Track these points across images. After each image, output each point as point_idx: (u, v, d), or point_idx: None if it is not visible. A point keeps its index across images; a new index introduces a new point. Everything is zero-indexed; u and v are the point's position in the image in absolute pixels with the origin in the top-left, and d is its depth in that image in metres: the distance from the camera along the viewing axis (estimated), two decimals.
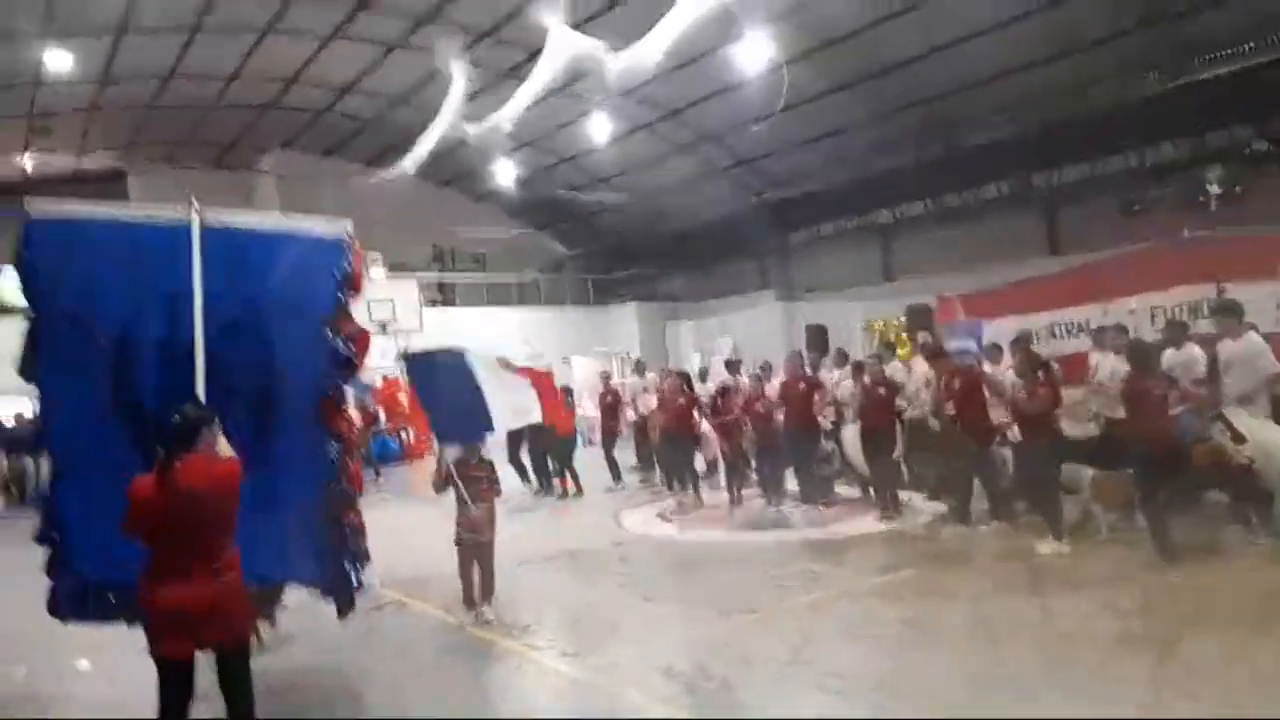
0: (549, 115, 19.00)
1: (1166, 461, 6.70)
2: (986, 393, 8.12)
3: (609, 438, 13.16)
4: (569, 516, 10.93)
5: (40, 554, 4.49)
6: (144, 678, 3.83)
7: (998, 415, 8.24)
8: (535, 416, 7.46)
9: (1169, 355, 7.69)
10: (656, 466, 12.48)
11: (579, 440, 12.82)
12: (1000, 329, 11.88)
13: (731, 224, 22.56)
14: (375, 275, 16.46)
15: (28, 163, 19.28)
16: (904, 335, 14.30)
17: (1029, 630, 5.57)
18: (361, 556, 4.94)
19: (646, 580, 7.36)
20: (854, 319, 17.45)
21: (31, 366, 4.36)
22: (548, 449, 12.37)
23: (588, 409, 14.51)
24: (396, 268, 20.22)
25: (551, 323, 24.02)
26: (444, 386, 6.39)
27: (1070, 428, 8.18)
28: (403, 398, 19.08)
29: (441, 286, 23.43)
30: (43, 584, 4.51)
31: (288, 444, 4.65)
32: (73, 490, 4.39)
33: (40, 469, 16.35)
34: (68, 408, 4.44)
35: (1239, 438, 6.78)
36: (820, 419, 10.19)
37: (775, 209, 21.10)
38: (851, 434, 9.92)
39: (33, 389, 4.45)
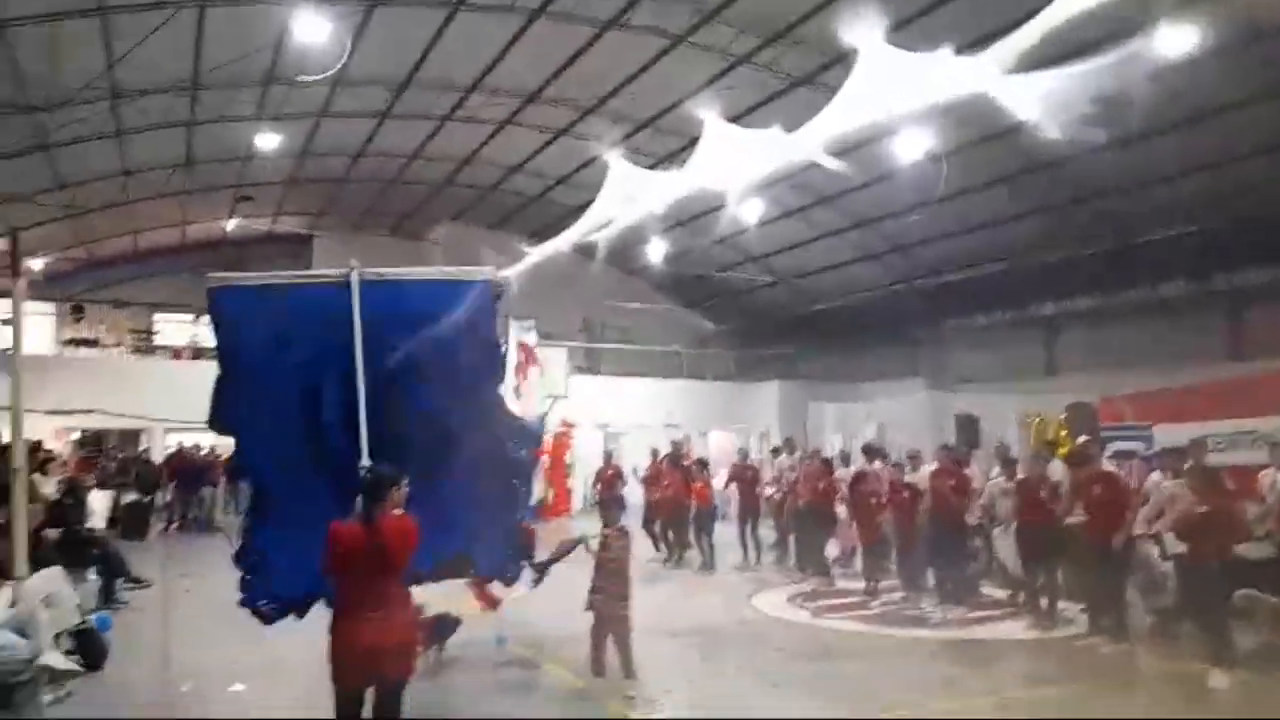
0: (701, 196, 19.55)
1: None
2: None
3: (746, 515, 13.03)
4: (700, 592, 10.84)
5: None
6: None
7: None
8: None
9: None
10: (790, 548, 12.30)
11: (716, 514, 12.78)
12: (1171, 434, 11.14)
13: (882, 308, 22.23)
14: (529, 339, 17.21)
15: (230, 224, 21.51)
16: (1064, 434, 13.56)
17: None
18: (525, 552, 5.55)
19: (775, 666, 7.20)
20: (1008, 413, 16.66)
21: (216, 418, 4.86)
22: (687, 520, 12.44)
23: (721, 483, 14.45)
24: (546, 336, 21.06)
25: (693, 395, 24.20)
26: None
27: (1246, 549, 7.50)
28: (542, 460, 19.70)
29: (588, 355, 24.13)
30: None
31: (472, 449, 5.05)
32: (265, 521, 4.92)
33: (216, 499, 17.93)
34: (260, 451, 4.96)
35: None
36: (968, 516, 9.78)
37: (928, 295, 20.67)
38: (1003, 534, 9.47)
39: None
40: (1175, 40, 10.15)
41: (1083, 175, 15.25)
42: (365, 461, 4.52)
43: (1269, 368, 13.35)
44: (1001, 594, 9.82)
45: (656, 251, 21.61)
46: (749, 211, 18.99)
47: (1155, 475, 8.76)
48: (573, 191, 20.46)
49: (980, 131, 14.84)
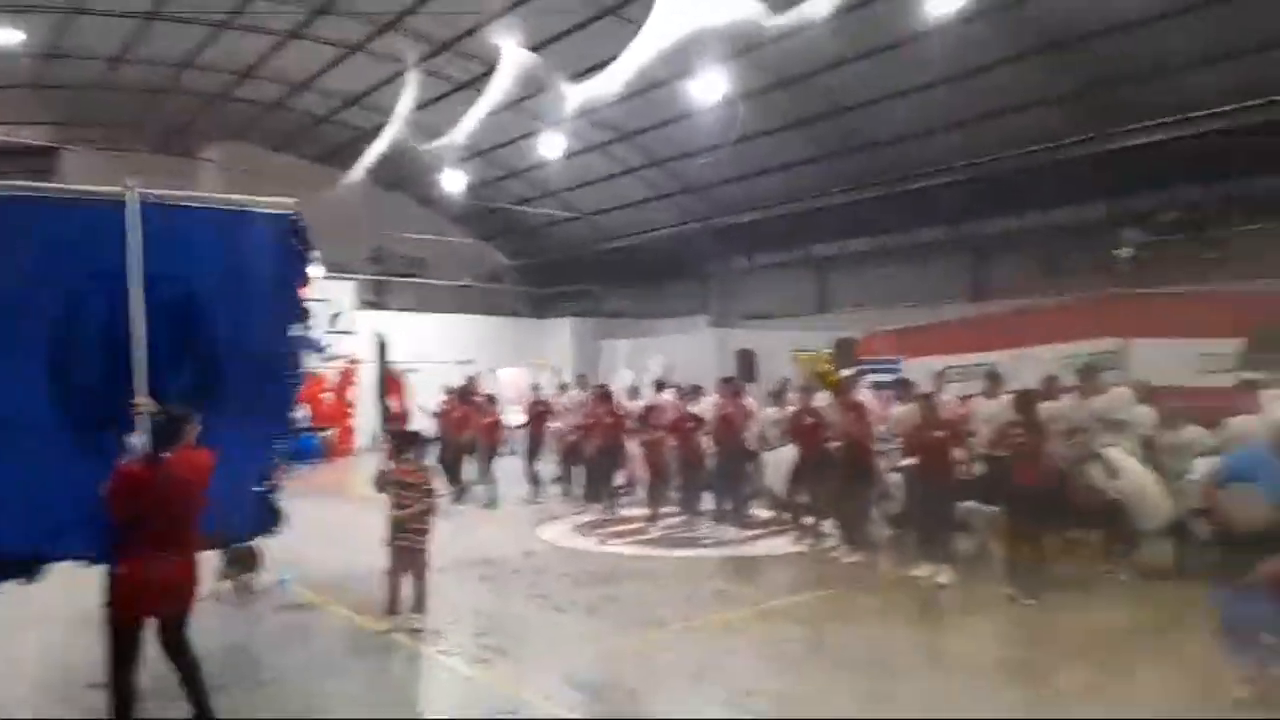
0: (501, 129, 19.11)
1: (1040, 500, 7.11)
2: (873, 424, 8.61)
3: (534, 450, 13.23)
4: (488, 525, 10.97)
5: None
6: None
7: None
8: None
9: (1049, 405, 8.22)
10: (576, 480, 12.64)
11: (504, 449, 12.87)
12: (918, 367, 12.40)
13: (674, 248, 22.90)
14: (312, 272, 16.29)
15: None
16: (829, 367, 14.72)
17: (921, 654, 5.88)
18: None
19: (560, 592, 7.46)
20: (784, 348, 17.84)
21: None
22: (469, 455, 12.43)
23: (515, 419, 14.54)
24: (334, 268, 20.02)
25: (487, 331, 23.96)
26: None
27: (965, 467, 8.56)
28: (325, 396, 18.91)
29: (377, 288, 23.20)
30: None
31: (239, 407, 4.73)
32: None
33: None
34: None
35: (1114, 473, 7.27)
36: (745, 444, 10.45)
37: (716, 235, 21.52)
38: (772, 459, 10.22)
39: None
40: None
41: (862, 125, 16.30)
42: (144, 400, 4.25)
43: (1003, 308, 15.14)
44: (769, 514, 10.67)
45: (452, 182, 20.97)
46: (547, 145, 18.83)
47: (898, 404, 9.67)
48: (365, 114, 19.37)
49: (775, 77, 15.48)
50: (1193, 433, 7.89)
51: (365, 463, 17.90)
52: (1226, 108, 12.46)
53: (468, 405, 12.82)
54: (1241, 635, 4.76)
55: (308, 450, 17.77)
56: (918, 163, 16.47)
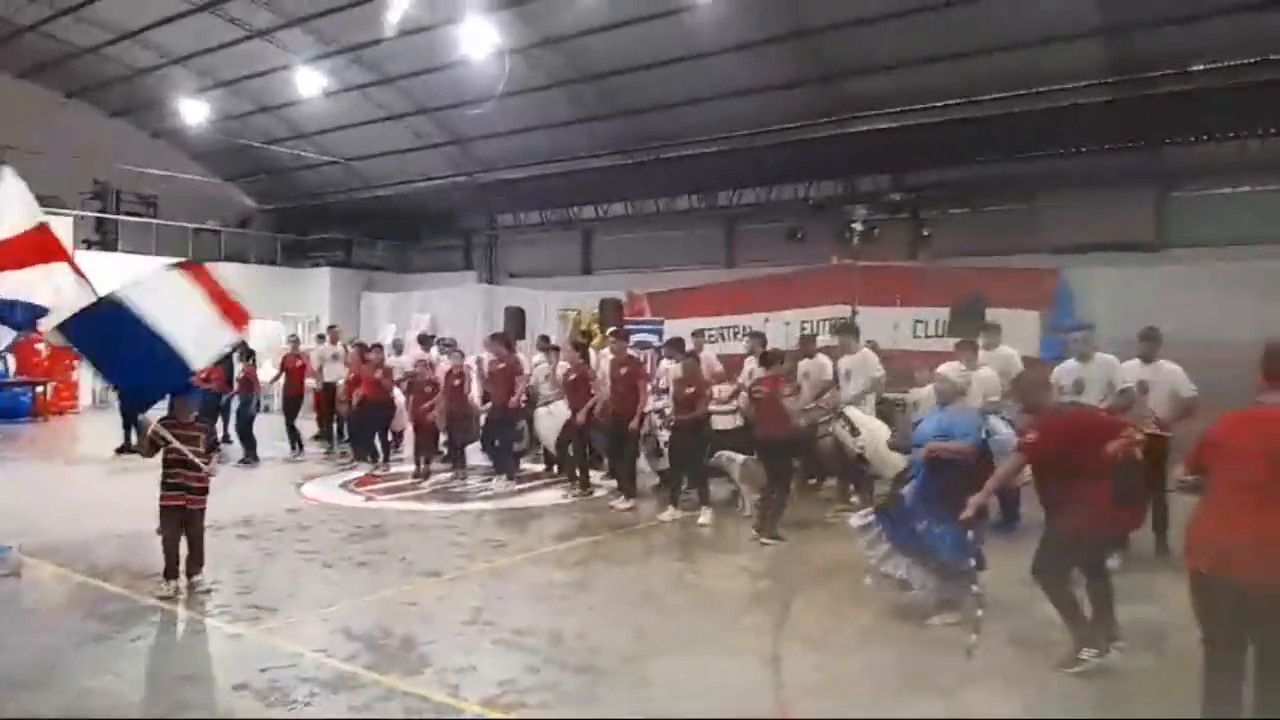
0: (248, 58, 17.65)
1: (787, 450, 7.97)
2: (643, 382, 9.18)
3: (292, 405, 12.62)
4: (246, 484, 10.41)
5: None
6: None
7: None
8: (231, 335, 6.29)
9: (804, 363, 9.16)
10: (342, 436, 12.25)
11: (258, 406, 12.15)
12: (679, 327, 13.21)
13: (440, 201, 22.37)
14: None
15: None
16: (596, 326, 15.23)
17: (683, 588, 6.43)
18: None
19: (328, 548, 7.32)
20: (552, 306, 18.18)
21: None
22: (229, 411, 11.70)
23: (270, 374, 13.72)
24: (48, 201, 17.63)
25: (234, 280, 22.14)
26: (117, 346, 5.56)
27: (721, 420, 9.36)
28: (41, 348, 16.79)
29: (101, 227, 20.70)
30: None
31: None
32: None
33: None
34: None
35: (856, 431, 8.25)
36: (513, 399, 10.63)
37: (484, 191, 21.29)
38: (544, 414, 10.50)
39: None
40: None
41: (623, 91, 16.74)
42: None
43: (752, 274, 16.38)
44: (540, 467, 10.99)
45: (192, 113, 19.09)
46: (304, 82, 17.64)
47: (665, 362, 10.28)
48: (84, 28, 17.15)
49: (541, 34, 15.48)
50: (919, 392, 9.05)
51: (88, 422, 16.19)
52: (942, 103, 14.19)
53: (217, 361, 11.95)
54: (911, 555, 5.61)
55: (19, 408, 15.89)
56: (676, 133, 17.22)
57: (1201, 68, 12.08)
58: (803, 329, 11.50)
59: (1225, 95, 12.30)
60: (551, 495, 9.76)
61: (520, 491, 9.88)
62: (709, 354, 10.80)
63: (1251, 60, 11.79)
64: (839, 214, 14.51)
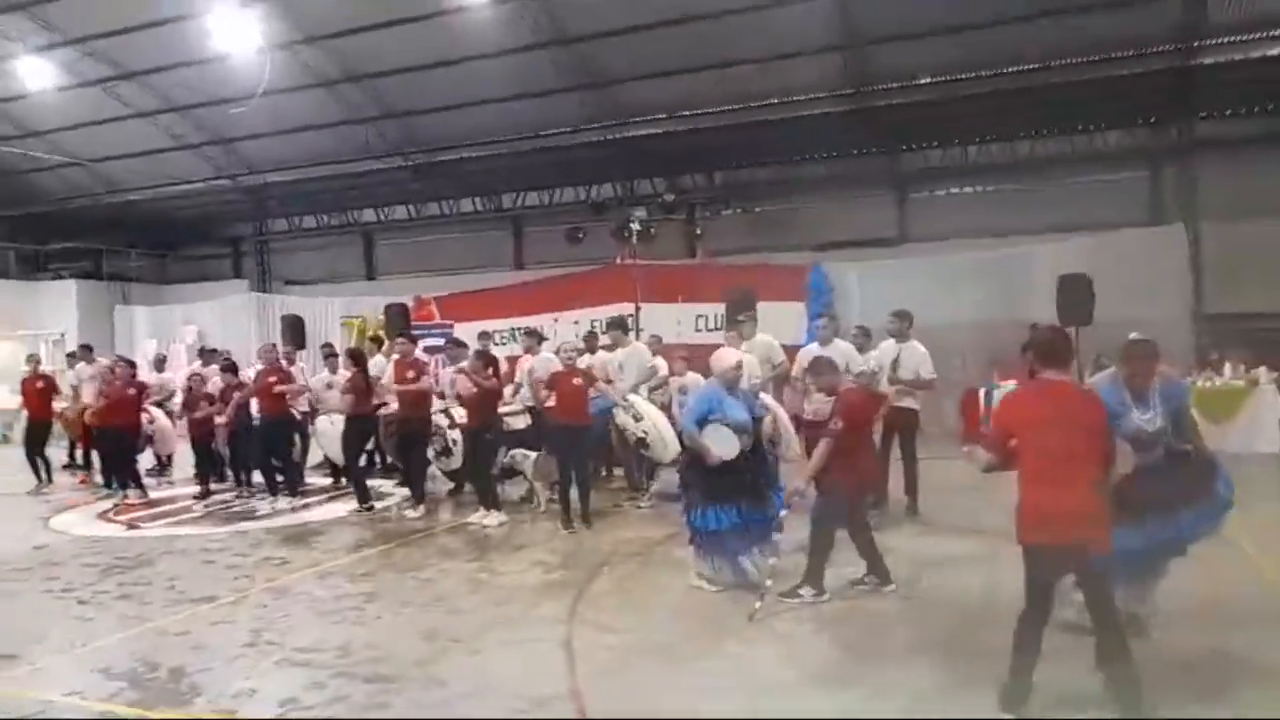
0: None
1: (576, 442, 8.19)
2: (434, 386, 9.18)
3: (37, 433, 11.37)
4: None
5: None
6: None
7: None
8: None
9: (592, 358, 9.47)
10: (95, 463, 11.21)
11: None
12: (468, 330, 13.15)
13: (201, 206, 20.84)
14: None
15: None
16: (382, 332, 14.81)
17: (476, 588, 6.45)
18: None
19: (82, 583, 6.70)
20: (334, 314, 17.47)
21: None
22: None
23: (5, 399, 12.29)
24: None
25: None
26: None
27: (512, 419, 9.47)
28: None
29: None
30: None
31: None
32: None
33: None
34: None
35: (639, 417, 8.60)
36: (292, 410, 10.17)
37: (252, 195, 20.06)
38: (326, 424, 10.11)
39: None
40: None
41: (394, 92, 16.35)
42: None
43: (539, 275, 16.57)
44: (326, 481, 10.58)
45: None
46: (32, 74, 15.87)
47: (450, 367, 10.15)
48: None
49: (304, 31, 14.84)
50: (691, 379, 9.57)
51: None
52: (703, 110, 15.02)
53: None
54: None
55: None
56: (450, 136, 17.09)
57: (927, 80, 13.59)
58: (593, 327, 11.83)
59: (949, 105, 13.93)
60: (339, 508, 9.41)
61: (305, 507, 9.47)
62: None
63: (971, 75, 13.43)
64: (618, 215, 15.01)
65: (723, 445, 5.91)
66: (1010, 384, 12.61)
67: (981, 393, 13.04)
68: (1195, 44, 12.57)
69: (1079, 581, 3.89)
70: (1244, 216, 13.06)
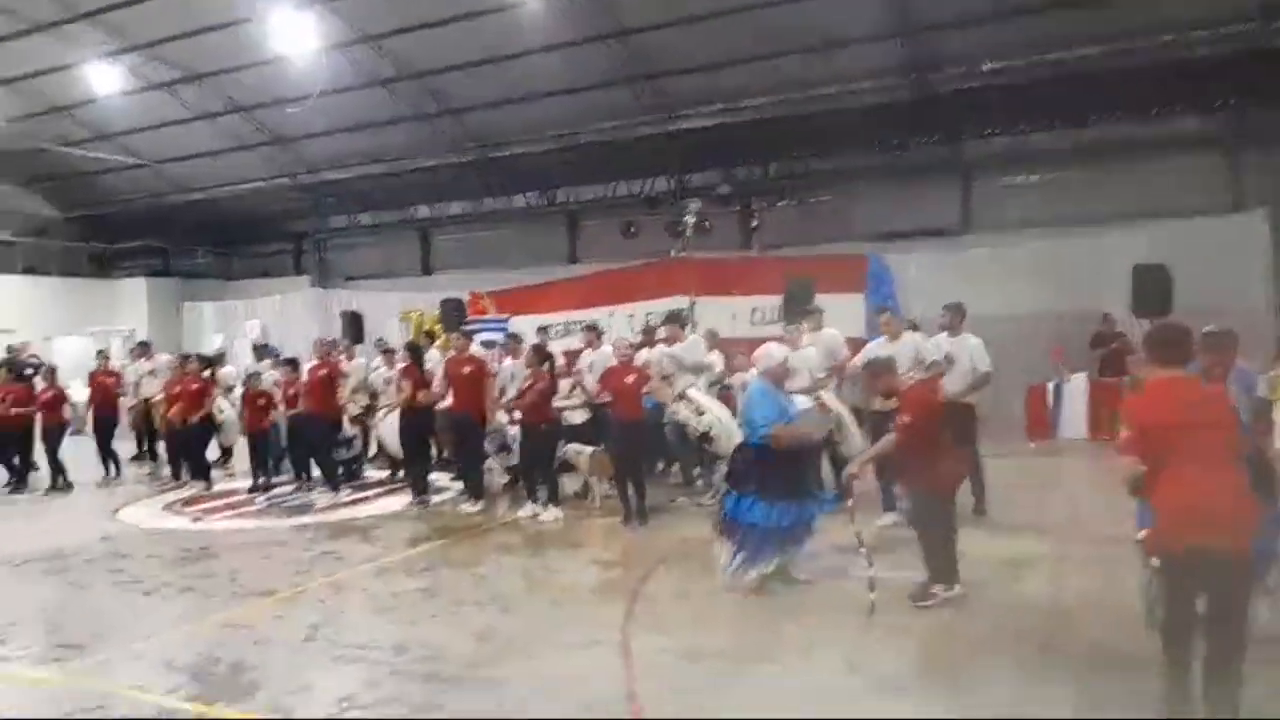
0: (36, 54, 16.15)
1: (633, 438, 8.08)
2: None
3: (105, 427, 11.69)
4: (56, 513, 9.57)
5: None
6: None
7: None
8: None
9: (649, 352, 9.36)
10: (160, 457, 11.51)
11: (66, 428, 11.21)
12: (524, 324, 13.15)
13: (265, 203, 21.26)
14: None
15: None
16: (439, 327, 14.93)
17: (532, 586, 6.41)
18: None
19: (147, 575, 6.82)
20: (391, 308, 17.67)
21: None
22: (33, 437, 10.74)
23: (82, 394, 12.65)
24: None
25: (36, 294, 20.36)
26: None
27: (571, 414, 9.41)
28: None
29: None
30: None
31: None
32: None
33: None
34: None
35: (700, 411, 8.46)
36: (344, 404, 10.25)
37: (311, 192, 20.39)
38: (385, 419, 10.19)
39: None
40: None
41: (450, 88, 16.45)
42: None
43: (594, 269, 16.50)
44: (383, 474, 10.67)
45: None
46: (100, 79, 16.34)
47: (508, 360, 10.15)
48: None
49: (359, 31, 15.01)
50: (743, 376, 9.40)
51: None
52: (758, 101, 14.76)
53: (19, 381, 10.97)
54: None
55: None
56: (504, 131, 17.10)
57: (989, 67, 13.14)
58: (648, 321, 11.74)
59: (1014, 91, 13.45)
60: (397, 502, 9.47)
61: (364, 500, 9.55)
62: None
63: (1036, 58, 12.95)
64: (673, 208, 14.86)
65: (815, 425, 6.11)
66: (1079, 376, 12.25)
67: (1050, 387, 12.63)
68: (1276, 25, 11.94)
69: (1217, 586, 3.49)
70: None
